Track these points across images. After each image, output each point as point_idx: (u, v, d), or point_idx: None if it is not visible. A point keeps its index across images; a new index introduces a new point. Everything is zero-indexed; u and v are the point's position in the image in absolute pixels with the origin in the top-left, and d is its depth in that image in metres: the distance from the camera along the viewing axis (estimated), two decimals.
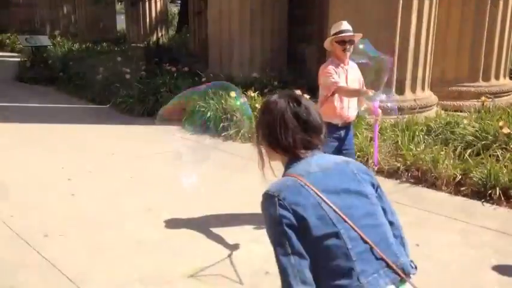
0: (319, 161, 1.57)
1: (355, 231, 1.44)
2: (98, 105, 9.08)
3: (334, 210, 1.44)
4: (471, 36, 7.91)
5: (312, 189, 1.46)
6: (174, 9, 27.57)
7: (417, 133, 5.85)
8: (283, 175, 1.57)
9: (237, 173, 5.33)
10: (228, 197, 4.69)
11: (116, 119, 7.96)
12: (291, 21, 9.64)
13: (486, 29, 7.91)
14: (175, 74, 9.19)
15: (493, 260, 3.57)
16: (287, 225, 1.42)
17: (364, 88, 4.05)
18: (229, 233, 3.95)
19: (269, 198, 1.47)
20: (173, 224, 4.16)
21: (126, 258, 3.60)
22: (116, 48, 14.83)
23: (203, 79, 8.61)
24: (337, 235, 1.43)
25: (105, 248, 3.75)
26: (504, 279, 3.35)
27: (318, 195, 1.45)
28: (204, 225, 4.12)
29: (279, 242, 1.43)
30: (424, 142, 5.64)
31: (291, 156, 1.57)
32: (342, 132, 3.99)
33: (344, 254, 1.42)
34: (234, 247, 3.74)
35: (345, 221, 1.44)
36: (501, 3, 7.91)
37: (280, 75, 8.95)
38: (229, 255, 3.61)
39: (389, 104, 4.40)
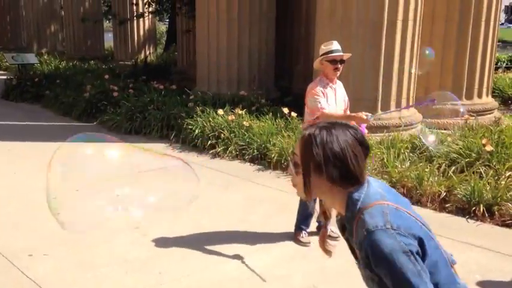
0: (375, 182, 1.57)
1: (435, 240, 1.53)
2: (85, 123, 9.05)
3: (425, 225, 1.50)
4: (454, 55, 8.08)
5: (404, 211, 1.47)
6: (163, 27, 27.75)
7: (402, 150, 5.92)
8: (355, 208, 1.48)
9: (224, 191, 5.33)
10: (216, 214, 4.69)
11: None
12: (278, 40, 9.77)
13: (469, 48, 8.09)
14: (163, 92, 9.21)
15: (477, 276, 3.61)
16: (416, 253, 1.40)
17: (348, 111, 4.12)
18: (218, 251, 3.95)
19: (382, 233, 1.40)
20: (161, 242, 4.14)
21: (114, 278, 3.58)
22: (103, 66, 14.82)
23: (191, 97, 8.66)
24: (437, 248, 1.51)
25: (91, 267, 3.71)
26: None
27: (411, 215, 1.48)
28: (193, 243, 4.11)
29: (414, 272, 1.37)
30: (409, 159, 5.71)
31: (359, 184, 1.50)
32: None
33: (445, 263, 1.52)
34: (224, 264, 3.73)
35: (432, 234, 1.52)
36: (483, 22, 8.12)
37: (267, 93, 9.03)
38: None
39: (459, 108, 4.35)
